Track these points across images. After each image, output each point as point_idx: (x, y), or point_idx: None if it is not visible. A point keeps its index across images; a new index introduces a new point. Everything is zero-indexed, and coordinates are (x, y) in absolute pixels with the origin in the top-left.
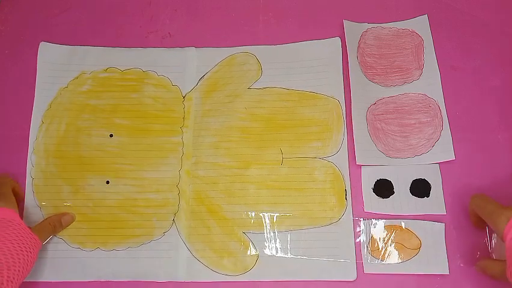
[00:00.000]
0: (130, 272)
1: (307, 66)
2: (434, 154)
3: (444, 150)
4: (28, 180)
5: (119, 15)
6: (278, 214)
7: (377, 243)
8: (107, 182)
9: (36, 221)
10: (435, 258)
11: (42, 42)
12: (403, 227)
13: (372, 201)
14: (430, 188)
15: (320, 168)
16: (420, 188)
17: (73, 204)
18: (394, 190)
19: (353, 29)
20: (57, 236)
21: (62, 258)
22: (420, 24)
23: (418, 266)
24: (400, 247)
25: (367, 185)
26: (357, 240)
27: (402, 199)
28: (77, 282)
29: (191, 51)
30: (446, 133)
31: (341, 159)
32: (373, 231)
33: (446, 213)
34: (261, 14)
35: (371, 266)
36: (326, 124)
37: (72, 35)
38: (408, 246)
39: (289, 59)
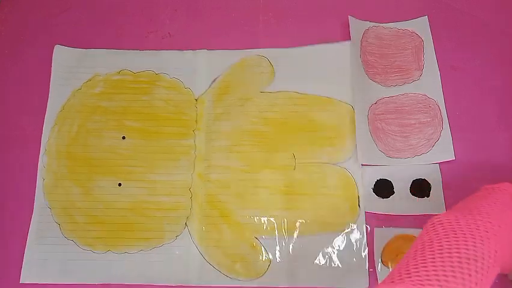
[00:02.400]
0: (141, 276)
1: (320, 70)
2: (434, 154)
3: (444, 150)
4: (39, 181)
5: (119, 15)
6: (290, 219)
7: (390, 253)
8: (119, 185)
9: (46, 222)
10: None
11: (57, 45)
12: (415, 237)
13: (372, 201)
14: (430, 188)
15: (333, 174)
16: (420, 188)
17: (83, 206)
18: (394, 190)
19: (357, 27)
20: (68, 238)
21: (72, 260)
22: (420, 25)
23: None
24: None
25: (367, 185)
26: (370, 248)
27: (402, 199)
28: (87, 285)
29: (203, 54)
30: (446, 133)
31: (354, 165)
32: (385, 240)
33: None
34: (261, 14)
35: (383, 276)
36: (339, 129)
37: (72, 35)
38: None
39: (302, 63)
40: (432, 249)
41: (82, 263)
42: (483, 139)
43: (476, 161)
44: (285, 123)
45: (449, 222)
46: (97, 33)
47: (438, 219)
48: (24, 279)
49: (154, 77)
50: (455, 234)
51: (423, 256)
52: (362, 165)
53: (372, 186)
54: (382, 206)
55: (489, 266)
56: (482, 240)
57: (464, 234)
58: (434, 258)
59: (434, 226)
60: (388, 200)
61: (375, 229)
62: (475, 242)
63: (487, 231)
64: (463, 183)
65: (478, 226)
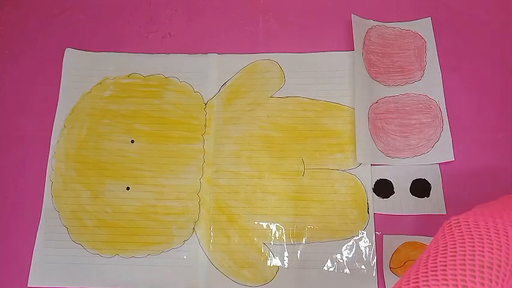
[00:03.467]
0: (149, 281)
1: (330, 76)
2: (433, 155)
3: (444, 151)
4: (47, 183)
5: (119, 15)
6: (299, 225)
7: (398, 260)
8: (128, 188)
9: (54, 226)
10: None
11: (68, 48)
12: (424, 244)
13: (372, 201)
14: (430, 188)
15: (342, 181)
16: (420, 188)
17: (91, 209)
18: (394, 190)
19: (360, 25)
20: (76, 242)
21: (80, 264)
22: (423, 26)
23: None
24: None
25: (367, 185)
26: (379, 255)
27: (402, 199)
28: None
29: (213, 58)
30: (446, 134)
31: (363, 172)
32: (394, 247)
33: (447, 214)
34: (261, 14)
35: (391, 284)
36: (349, 136)
37: (72, 35)
38: None
39: (313, 69)
40: (445, 255)
41: (90, 267)
42: (483, 139)
43: (476, 161)
44: (294, 129)
45: (467, 225)
46: (97, 34)
47: (456, 221)
48: (32, 282)
49: (163, 80)
50: (472, 238)
51: (435, 263)
52: (361, 164)
53: (373, 187)
54: (382, 206)
55: (505, 273)
56: (500, 245)
57: (481, 238)
58: (445, 265)
59: (451, 228)
60: (388, 200)
61: (384, 236)
62: (491, 248)
63: (507, 236)
64: (463, 183)
65: (497, 230)
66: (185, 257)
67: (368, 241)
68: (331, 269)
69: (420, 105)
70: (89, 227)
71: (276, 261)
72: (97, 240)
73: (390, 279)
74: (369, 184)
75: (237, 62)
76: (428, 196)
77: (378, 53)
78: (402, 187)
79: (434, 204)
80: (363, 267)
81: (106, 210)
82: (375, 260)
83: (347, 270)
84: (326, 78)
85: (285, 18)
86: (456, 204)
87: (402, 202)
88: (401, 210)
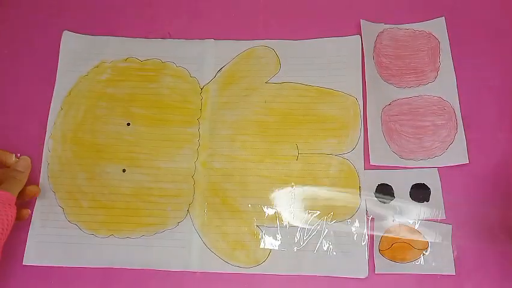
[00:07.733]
0: (143, 260)
1: (326, 62)
2: (447, 157)
3: (458, 153)
4: (44, 165)
5: (118, 15)
6: (292, 209)
7: (386, 242)
8: (124, 171)
9: (50, 206)
10: (441, 259)
11: (65, 31)
12: (411, 227)
13: (374, 206)
14: (430, 192)
15: (335, 165)
16: (419, 193)
17: (87, 190)
18: (394, 195)
19: (370, 29)
20: (71, 222)
21: (75, 244)
22: (437, 27)
23: (425, 266)
24: (408, 247)
25: (369, 190)
26: (369, 238)
27: (402, 204)
28: (90, 268)
29: (210, 43)
30: (461, 136)
31: (356, 157)
32: (383, 230)
33: (446, 218)
34: (261, 13)
35: (380, 265)
36: (343, 121)
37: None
38: (416, 247)
39: (308, 55)
40: None
41: (85, 247)
42: (483, 144)
43: (476, 164)
44: (289, 114)
45: None
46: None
47: None
48: (27, 261)
49: (160, 65)
50: None
51: None
52: (365, 169)
53: (374, 191)
54: (383, 211)
55: None
56: None
57: None
58: None
59: None
60: (389, 205)
61: (375, 219)
62: None
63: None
64: (463, 187)
65: None
66: (179, 238)
67: (360, 224)
68: (323, 251)
69: (434, 107)
70: (85, 208)
71: (268, 244)
72: (92, 221)
73: (379, 261)
74: (362, 168)
75: (233, 48)
76: (427, 201)
77: (390, 55)
78: (402, 192)
79: (433, 209)
80: (354, 249)
81: (102, 191)
82: (366, 243)
83: (338, 253)
84: (320, 64)
85: (285, 18)
86: (455, 208)
87: (402, 207)
88: (401, 215)
